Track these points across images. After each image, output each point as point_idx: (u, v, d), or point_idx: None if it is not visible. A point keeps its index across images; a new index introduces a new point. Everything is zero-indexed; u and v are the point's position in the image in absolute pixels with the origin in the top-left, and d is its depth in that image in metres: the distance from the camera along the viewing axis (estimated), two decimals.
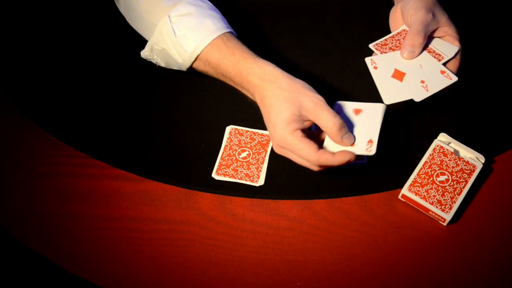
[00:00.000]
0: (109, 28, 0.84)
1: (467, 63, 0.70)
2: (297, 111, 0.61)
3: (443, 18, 0.68)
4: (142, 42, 0.76)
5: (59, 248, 0.63)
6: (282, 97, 0.61)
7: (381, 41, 0.71)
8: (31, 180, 0.69)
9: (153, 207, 0.66)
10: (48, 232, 0.65)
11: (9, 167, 0.71)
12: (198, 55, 0.69)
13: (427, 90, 0.65)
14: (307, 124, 0.62)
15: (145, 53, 0.74)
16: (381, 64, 0.67)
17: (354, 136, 0.63)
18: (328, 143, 0.63)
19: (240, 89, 0.69)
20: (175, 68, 0.74)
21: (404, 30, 0.71)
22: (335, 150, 0.62)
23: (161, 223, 0.65)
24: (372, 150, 0.61)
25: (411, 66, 0.67)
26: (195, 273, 0.61)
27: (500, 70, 0.80)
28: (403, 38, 0.69)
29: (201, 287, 0.60)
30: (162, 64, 0.74)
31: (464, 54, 0.69)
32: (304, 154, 0.60)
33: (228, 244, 0.63)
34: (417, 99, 0.64)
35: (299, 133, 0.61)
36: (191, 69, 0.72)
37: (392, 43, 0.70)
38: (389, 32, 0.72)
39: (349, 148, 0.62)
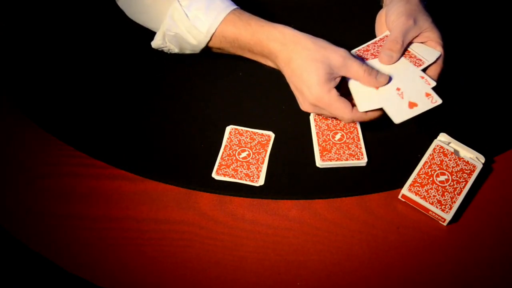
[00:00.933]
0: (109, 28, 0.84)
1: (467, 63, 0.69)
2: (329, 69, 0.63)
3: (425, 23, 0.67)
4: (142, 40, 0.76)
5: (59, 248, 0.63)
6: (311, 57, 0.63)
7: (363, 47, 0.70)
8: (31, 180, 0.69)
9: (153, 207, 0.66)
10: (48, 232, 0.65)
11: (9, 167, 0.71)
12: (213, 33, 0.70)
13: (402, 98, 0.63)
14: (338, 80, 0.65)
15: (157, 43, 0.74)
16: None
17: (390, 77, 0.64)
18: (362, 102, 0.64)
19: (259, 59, 0.71)
20: (188, 52, 0.75)
21: (386, 36, 0.70)
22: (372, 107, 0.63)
23: (161, 223, 0.65)
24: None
25: (388, 72, 0.65)
26: (195, 273, 0.61)
27: (500, 70, 0.80)
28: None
29: (201, 287, 0.60)
30: (176, 50, 0.75)
31: (464, 54, 0.69)
32: (340, 113, 0.64)
33: (228, 244, 0.63)
34: (397, 120, 0.62)
35: (335, 92, 0.64)
36: (206, 49, 0.73)
37: (374, 49, 0.69)
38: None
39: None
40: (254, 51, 0.70)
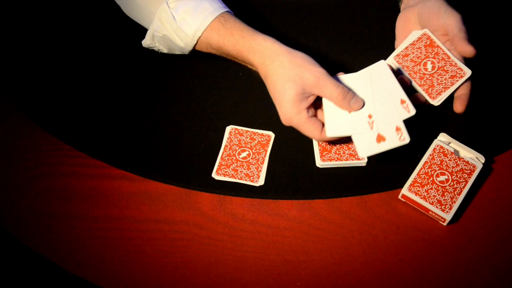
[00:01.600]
0: (109, 28, 0.84)
1: (467, 63, 0.69)
2: (301, 89, 0.62)
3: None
4: (141, 39, 0.76)
5: (59, 248, 0.63)
6: (284, 76, 0.63)
7: (402, 52, 0.68)
8: (31, 180, 0.69)
9: (153, 207, 0.66)
10: (48, 232, 0.65)
11: (9, 167, 0.71)
12: (199, 37, 0.69)
13: (371, 128, 0.62)
14: (311, 99, 0.64)
15: (146, 42, 0.74)
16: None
17: (362, 99, 0.63)
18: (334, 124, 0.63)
19: (247, 65, 0.71)
20: (177, 53, 0.75)
21: (425, 35, 0.67)
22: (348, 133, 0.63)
23: (161, 223, 0.65)
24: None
25: (371, 90, 0.64)
26: (195, 273, 0.61)
27: (500, 71, 0.79)
28: (425, 46, 0.67)
29: (201, 287, 0.60)
30: (165, 51, 0.75)
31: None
32: (309, 134, 0.64)
33: (228, 244, 0.63)
34: (361, 154, 0.62)
35: (305, 113, 0.63)
36: (194, 51, 0.73)
37: (413, 52, 0.67)
38: (388, 33, 0.72)
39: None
40: (239, 60, 0.70)
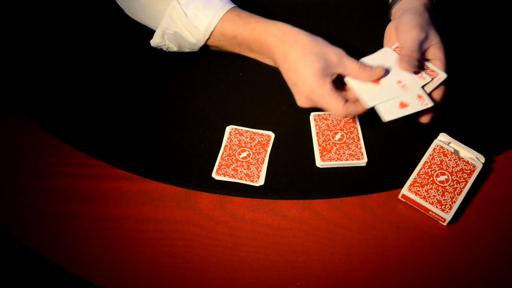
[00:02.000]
0: (109, 28, 0.84)
1: (467, 63, 0.69)
2: (324, 64, 0.64)
3: (435, 39, 0.67)
4: (143, 40, 0.76)
5: (59, 248, 0.63)
6: (308, 51, 0.64)
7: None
8: (31, 180, 0.69)
9: (153, 207, 0.66)
10: (48, 232, 0.65)
11: (9, 167, 0.71)
12: (212, 31, 0.70)
13: (405, 89, 0.64)
14: (333, 77, 0.65)
15: (155, 41, 0.74)
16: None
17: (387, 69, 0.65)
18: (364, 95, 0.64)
19: (257, 56, 0.71)
20: (187, 50, 0.75)
21: (398, 47, 0.68)
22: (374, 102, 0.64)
23: (161, 223, 0.65)
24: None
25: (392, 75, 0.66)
26: (195, 273, 0.61)
27: (500, 71, 0.79)
28: None
29: (201, 287, 0.60)
30: (175, 48, 0.75)
31: (465, 53, 0.68)
32: (332, 107, 0.64)
33: (228, 244, 0.63)
34: (386, 117, 0.63)
35: (329, 86, 0.64)
36: (204, 47, 0.73)
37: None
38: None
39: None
40: (253, 48, 0.70)
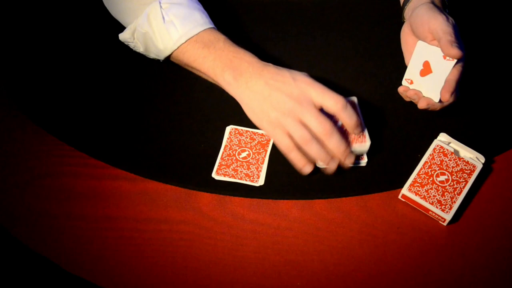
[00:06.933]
0: (108, 28, 0.84)
1: (467, 63, 0.69)
2: None
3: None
4: None
5: (59, 248, 0.63)
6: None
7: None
8: (31, 180, 0.69)
9: (153, 207, 0.66)
10: (48, 232, 0.65)
11: (9, 167, 0.71)
12: (181, 44, 0.69)
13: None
14: None
15: (124, 36, 0.74)
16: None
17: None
18: None
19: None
20: (152, 56, 0.75)
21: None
22: None
23: (161, 223, 0.65)
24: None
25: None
26: (195, 273, 0.61)
27: (499, 70, 0.79)
28: None
29: (201, 287, 0.60)
30: (141, 49, 0.75)
31: (465, 53, 0.68)
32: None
33: (228, 244, 0.63)
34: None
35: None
36: (167, 60, 0.73)
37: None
38: (390, 35, 0.72)
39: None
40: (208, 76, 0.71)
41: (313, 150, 0.62)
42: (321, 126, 0.62)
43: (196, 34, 0.69)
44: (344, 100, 0.62)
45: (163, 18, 0.69)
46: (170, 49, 0.70)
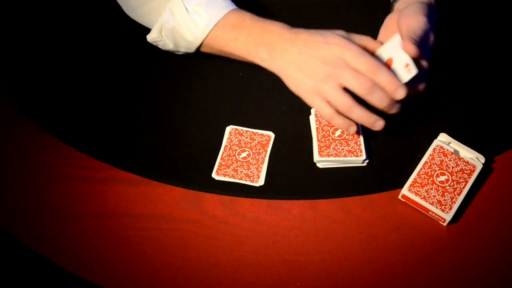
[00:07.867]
0: (108, 28, 0.84)
1: (467, 63, 0.69)
2: None
3: (432, 37, 0.66)
4: (142, 40, 0.76)
5: (59, 248, 0.63)
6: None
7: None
8: (31, 180, 0.69)
9: (153, 207, 0.66)
10: (48, 232, 0.65)
11: (9, 167, 0.71)
12: (210, 30, 0.70)
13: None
14: None
15: (152, 36, 0.74)
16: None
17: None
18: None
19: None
20: (182, 50, 0.75)
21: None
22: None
23: (161, 223, 0.65)
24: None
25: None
26: (195, 273, 0.61)
27: (500, 70, 0.79)
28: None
29: (201, 287, 0.60)
30: (171, 46, 0.74)
31: (464, 54, 0.68)
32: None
33: (228, 244, 0.63)
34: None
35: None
36: (198, 52, 0.73)
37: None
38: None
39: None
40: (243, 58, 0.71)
41: (356, 115, 0.63)
42: (361, 85, 0.61)
43: (222, 18, 0.69)
44: (377, 64, 0.61)
45: (186, 9, 0.70)
46: (199, 38, 0.71)
